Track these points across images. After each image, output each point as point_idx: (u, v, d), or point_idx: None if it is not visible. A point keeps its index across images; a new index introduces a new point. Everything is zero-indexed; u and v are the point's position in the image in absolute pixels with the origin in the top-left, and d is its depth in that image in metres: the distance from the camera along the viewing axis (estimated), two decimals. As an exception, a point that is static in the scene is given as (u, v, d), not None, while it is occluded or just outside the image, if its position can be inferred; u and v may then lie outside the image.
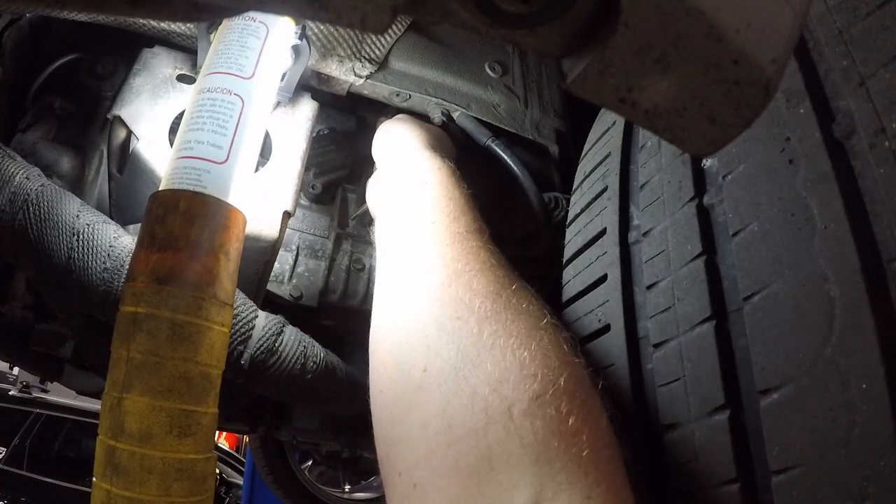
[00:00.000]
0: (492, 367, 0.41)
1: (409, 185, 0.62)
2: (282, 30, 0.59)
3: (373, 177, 0.72)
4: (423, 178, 0.62)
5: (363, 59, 0.75)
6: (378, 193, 0.68)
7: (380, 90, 0.77)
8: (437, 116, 0.78)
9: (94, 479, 0.44)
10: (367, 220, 0.82)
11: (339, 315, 0.79)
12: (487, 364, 0.42)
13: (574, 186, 0.65)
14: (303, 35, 0.65)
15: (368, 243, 0.83)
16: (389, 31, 0.76)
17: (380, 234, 0.63)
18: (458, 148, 0.78)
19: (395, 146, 0.70)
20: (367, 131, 0.85)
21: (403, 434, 0.43)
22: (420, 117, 0.80)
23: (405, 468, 0.42)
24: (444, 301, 0.48)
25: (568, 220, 0.63)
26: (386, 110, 0.84)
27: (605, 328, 0.49)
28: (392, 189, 0.65)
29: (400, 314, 0.50)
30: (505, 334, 0.43)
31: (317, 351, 0.67)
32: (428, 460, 0.40)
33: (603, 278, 0.50)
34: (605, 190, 0.55)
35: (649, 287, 0.45)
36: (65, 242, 0.54)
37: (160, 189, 0.49)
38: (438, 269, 0.50)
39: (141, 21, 0.68)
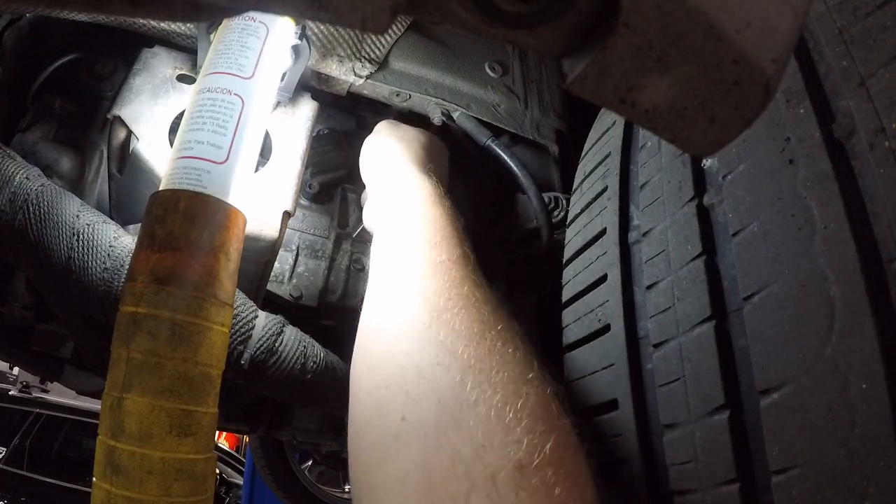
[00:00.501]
0: (475, 428, 0.40)
1: (391, 209, 0.61)
2: (282, 30, 0.59)
3: (365, 199, 0.72)
4: (405, 202, 0.60)
5: (363, 59, 0.75)
6: (369, 217, 0.69)
7: (380, 90, 0.77)
8: (437, 116, 0.78)
9: (94, 479, 0.44)
10: (367, 237, 0.82)
11: (339, 315, 0.79)
12: (470, 422, 0.40)
13: (574, 186, 0.65)
14: (303, 35, 0.65)
15: (368, 243, 0.83)
16: (389, 31, 0.76)
17: (371, 262, 0.61)
18: (451, 148, 0.78)
19: (377, 166, 0.70)
20: (367, 131, 0.86)
21: (380, 483, 0.42)
22: (420, 117, 0.80)
23: None
24: (425, 344, 0.46)
25: (568, 220, 0.63)
26: (386, 111, 0.85)
27: (605, 328, 0.49)
28: (378, 213, 0.64)
29: (380, 353, 0.49)
30: (490, 388, 0.42)
31: (317, 351, 0.67)
32: None
33: (603, 278, 0.50)
34: (605, 190, 0.55)
35: (649, 287, 0.45)
36: (65, 242, 0.54)
37: (160, 189, 0.49)
38: (419, 306, 0.48)
39: (141, 21, 0.68)
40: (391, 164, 0.67)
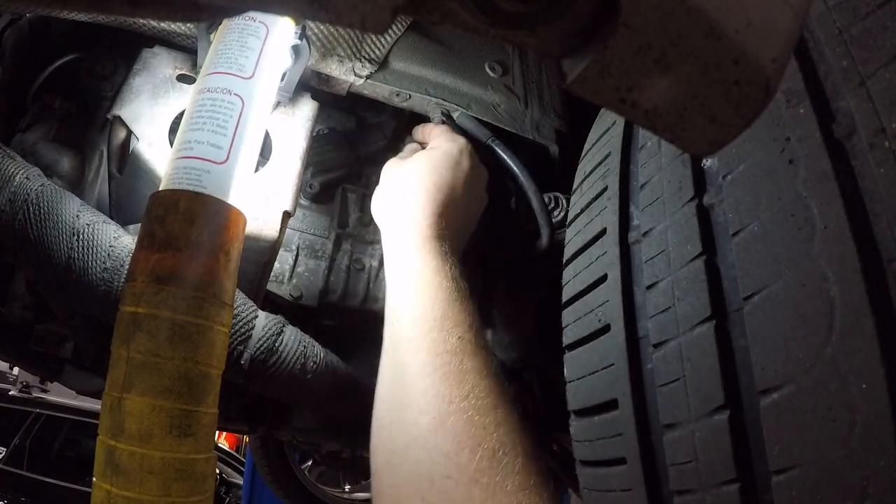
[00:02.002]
0: None
1: (395, 286, 0.62)
2: (282, 30, 0.59)
3: (384, 244, 0.70)
4: (407, 282, 0.61)
5: (363, 59, 0.75)
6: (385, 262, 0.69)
7: (380, 90, 0.77)
8: (436, 116, 0.78)
9: (94, 479, 0.44)
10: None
11: (339, 315, 0.79)
12: None
13: (574, 186, 0.65)
14: (303, 35, 0.65)
15: (368, 243, 0.83)
16: (389, 31, 0.76)
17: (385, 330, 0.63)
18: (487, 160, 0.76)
19: (385, 229, 0.68)
20: (367, 131, 0.86)
21: None
22: (419, 117, 0.80)
23: None
24: (433, 454, 0.51)
25: (568, 220, 0.63)
26: (385, 111, 0.84)
27: (605, 328, 0.49)
28: (387, 271, 0.65)
29: (395, 452, 0.54)
30: (493, 501, 0.47)
31: (317, 351, 0.67)
32: None
33: (603, 278, 0.50)
34: (605, 190, 0.55)
35: (649, 287, 0.45)
36: (65, 242, 0.54)
37: (160, 189, 0.49)
38: (424, 411, 0.53)
39: (141, 21, 0.68)
40: (405, 230, 0.65)
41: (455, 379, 0.54)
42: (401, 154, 0.77)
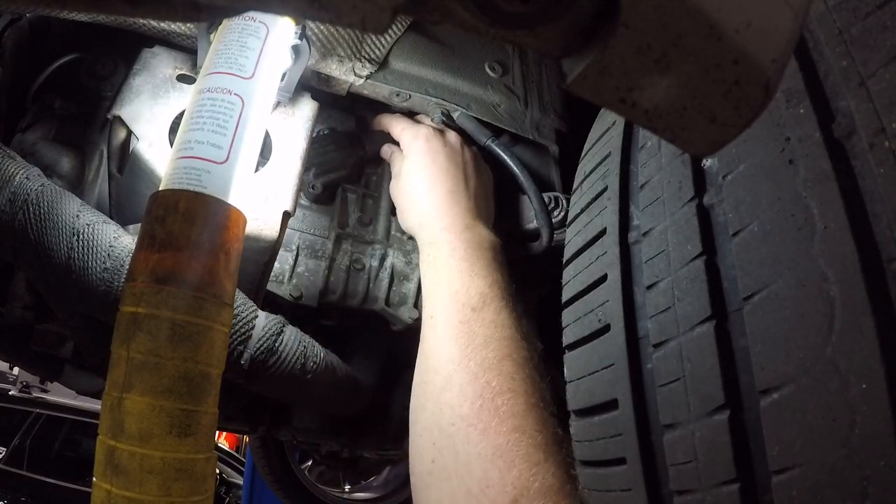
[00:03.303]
0: (480, 474, 0.54)
1: (438, 260, 0.69)
2: (282, 30, 0.59)
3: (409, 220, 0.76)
4: (452, 251, 0.68)
5: (363, 59, 0.75)
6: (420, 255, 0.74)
7: (380, 90, 0.77)
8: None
9: (94, 479, 0.44)
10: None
11: (339, 315, 0.79)
12: (477, 470, 0.54)
13: (574, 186, 0.65)
14: (303, 35, 0.65)
15: (368, 243, 0.83)
16: (389, 31, 0.76)
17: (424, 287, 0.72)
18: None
19: (420, 220, 0.73)
20: (367, 131, 0.85)
21: (425, 500, 0.60)
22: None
23: None
24: (442, 406, 0.59)
25: (568, 220, 0.63)
26: (385, 110, 0.84)
27: (605, 328, 0.49)
28: (425, 261, 0.71)
29: (419, 408, 0.64)
30: (491, 447, 0.55)
31: (317, 351, 0.67)
32: None
33: (603, 278, 0.50)
34: (605, 190, 0.55)
35: (649, 287, 0.45)
36: (65, 242, 0.54)
37: (160, 189, 0.49)
38: (436, 371, 0.62)
39: (141, 21, 0.68)
40: (438, 221, 0.71)
41: (464, 341, 0.61)
42: (393, 172, 0.80)
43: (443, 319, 0.64)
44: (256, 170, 0.66)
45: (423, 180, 0.73)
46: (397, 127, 0.79)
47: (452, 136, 0.78)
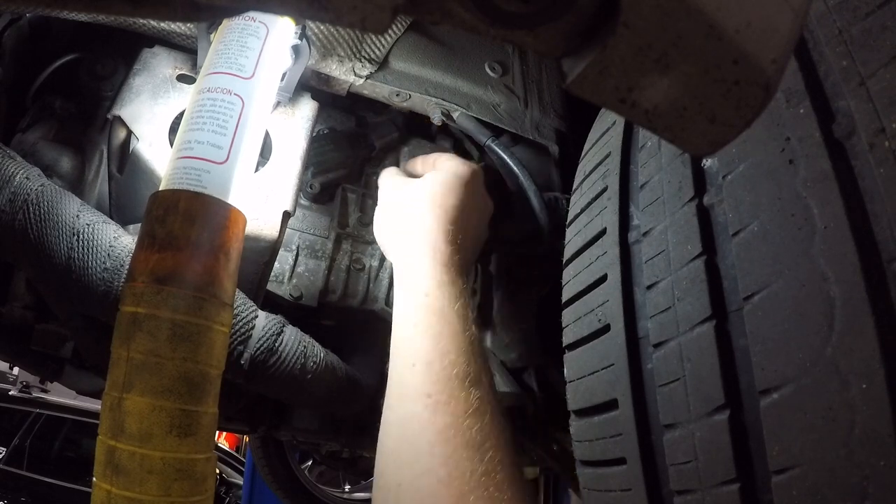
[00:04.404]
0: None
1: (412, 314, 0.60)
2: (282, 30, 0.59)
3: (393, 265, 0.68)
4: (427, 317, 0.59)
5: (363, 59, 0.75)
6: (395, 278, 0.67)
7: (380, 90, 0.77)
8: (436, 116, 0.78)
9: (94, 479, 0.44)
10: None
11: (340, 315, 0.79)
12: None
13: (574, 186, 0.65)
14: (303, 35, 0.65)
15: (368, 243, 0.83)
16: (389, 31, 0.76)
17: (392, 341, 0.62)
18: (496, 190, 0.76)
19: (393, 246, 0.67)
20: (367, 131, 0.86)
21: None
22: (420, 118, 0.80)
23: None
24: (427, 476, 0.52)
25: (568, 220, 0.63)
26: (385, 111, 0.84)
27: (605, 328, 0.49)
28: (397, 287, 0.63)
29: (395, 469, 0.55)
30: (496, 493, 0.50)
31: (317, 351, 0.67)
32: None
33: (603, 278, 0.50)
34: (605, 190, 0.55)
35: (649, 287, 0.45)
36: (65, 242, 0.54)
37: (160, 189, 0.49)
38: (444, 482, 0.52)
39: (141, 21, 0.68)
40: (417, 243, 0.63)
41: (474, 448, 0.53)
42: (404, 165, 0.76)
43: (446, 404, 0.56)
44: (256, 170, 0.66)
45: (444, 198, 0.67)
46: (445, 156, 0.74)
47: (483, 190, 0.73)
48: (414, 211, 0.66)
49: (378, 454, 0.58)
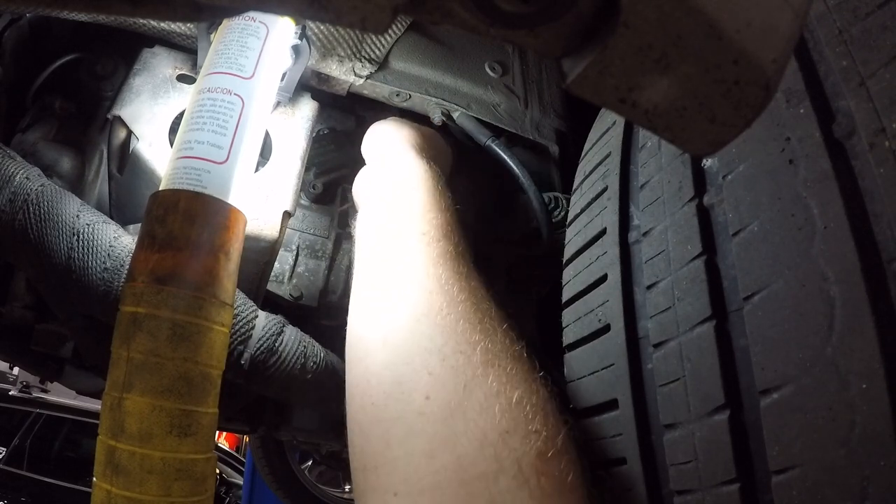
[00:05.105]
0: (499, 415, 0.42)
1: (398, 184, 0.61)
2: (282, 30, 0.59)
3: (361, 171, 0.70)
4: (413, 181, 0.60)
5: (363, 59, 0.75)
6: (364, 187, 0.66)
7: (380, 90, 0.77)
8: (437, 116, 0.78)
9: (94, 479, 0.44)
10: (351, 215, 0.82)
11: (340, 315, 0.79)
12: (495, 409, 0.43)
13: (574, 186, 0.65)
14: (303, 35, 0.65)
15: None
16: (389, 31, 0.76)
17: (363, 229, 0.61)
18: (455, 149, 0.78)
19: (384, 143, 0.69)
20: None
21: (401, 457, 0.43)
22: (420, 117, 0.80)
23: (405, 492, 0.42)
24: (445, 330, 0.47)
25: (568, 220, 0.63)
26: (386, 110, 0.84)
27: (605, 328, 0.49)
28: (380, 184, 0.63)
29: (395, 330, 0.49)
30: (508, 382, 0.44)
31: (317, 351, 0.67)
32: (434, 491, 0.41)
33: (603, 278, 0.50)
34: (605, 190, 0.55)
35: (649, 287, 0.45)
36: (65, 242, 0.54)
37: (160, 189, 0.49)
38: (435, 292, 0.50)
39: (141, 21, 0.68)
40: (401, 144, 0.67)
41: (464, 274, 0.52)
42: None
43: (434, 241, 0.54)
44: (256, 170, 0.66)
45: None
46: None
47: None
48: (399, 128, 0.71)
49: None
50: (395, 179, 0.62)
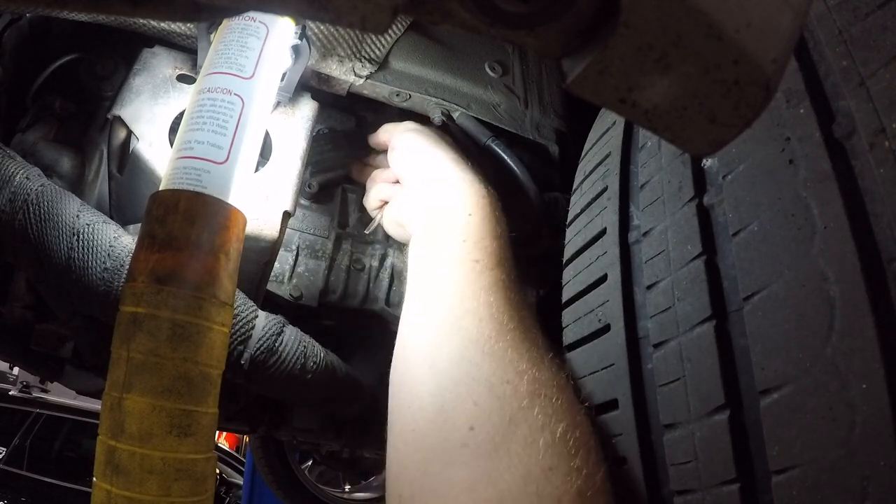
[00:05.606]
0: (543, 451, 0.42)
1: (452, 211, 0.61)
2: (282, 30, 0.59)
3: (405, 195, 0.69)
4: (468, 207, 0.60)
5: (363, 59, 0.75)
6: (415, 213, 0.66)
7: (380, 90, 0.77)
8: (437, 116, 0.78)
9: (94, 479, 0.44)
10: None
11: (340, 315, 0.79)
12: (539, 444, 0.42)
13: (574, 186, 0.65)
14: (303, 35, 0.65)
15: (368, 243, 0.83)
16: (389, 31, 0.76)
17: (416, 254, 0.61)
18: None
19: (426, 164, 0.68)
20: (367, 131, 0.85)
21: (441, 487, 0.43)
22: (420, 117, 0.80)
23: None
24: (494, 358, 0.47)
25: (568, 220, 0.63)
26: (386, 110, 0.84)
27: (605, 328, 0.49)
28: (433, 211, 0.63)
29: (442, 356, 0.49)
30: (554, 415, 0.44)
31: (317, 351, 0.67)
32: None
33: (603, 278, 0.50)
34: (605, 190, 0.55)
35: (649, 287, 0.45)
36: (65, 242, 0.54)
37: (160, 189, 0.49)
38: (486, 320, 0.50)
39: (141, 21, 0.68)
40: (450, 166, 0.65)
41: (515, 303, 0.54)
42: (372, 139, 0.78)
43: (486, 269, 0.56)
44: (256, 170, 0.66)
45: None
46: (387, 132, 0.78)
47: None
48: (437, 140, 0.70)
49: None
50: (448, 205, 0.61)
